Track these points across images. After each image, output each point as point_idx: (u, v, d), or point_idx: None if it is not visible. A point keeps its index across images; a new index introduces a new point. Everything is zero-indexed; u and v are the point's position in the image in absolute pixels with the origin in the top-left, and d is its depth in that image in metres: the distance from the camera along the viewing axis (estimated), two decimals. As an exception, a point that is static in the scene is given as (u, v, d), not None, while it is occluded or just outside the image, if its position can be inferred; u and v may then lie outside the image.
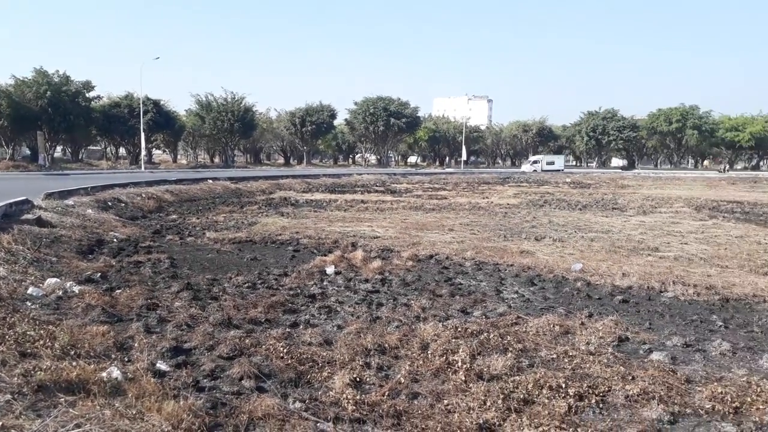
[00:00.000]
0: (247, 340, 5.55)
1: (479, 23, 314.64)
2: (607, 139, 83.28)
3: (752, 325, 6.57)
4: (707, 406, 4.33)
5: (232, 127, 63.84)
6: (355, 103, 75.74)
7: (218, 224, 15.11)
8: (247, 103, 65.92)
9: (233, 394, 4.44)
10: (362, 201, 23.12)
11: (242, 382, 4.65)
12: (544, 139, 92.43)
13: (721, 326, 6.52)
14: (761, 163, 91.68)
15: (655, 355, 5.38)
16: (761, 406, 4.31)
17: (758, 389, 4.58)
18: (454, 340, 5.73)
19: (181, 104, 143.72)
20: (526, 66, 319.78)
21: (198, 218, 16.62)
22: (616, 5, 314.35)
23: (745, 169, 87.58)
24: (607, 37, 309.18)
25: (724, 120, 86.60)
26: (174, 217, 17.14)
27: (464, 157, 75.96)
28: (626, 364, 5.16)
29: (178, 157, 76.76)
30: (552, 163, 71.85)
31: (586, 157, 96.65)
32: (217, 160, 73.77)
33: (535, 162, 70.70)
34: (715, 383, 4.69)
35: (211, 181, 29.35)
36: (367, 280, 8.67)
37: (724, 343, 5.76)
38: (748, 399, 4.41)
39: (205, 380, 4.68)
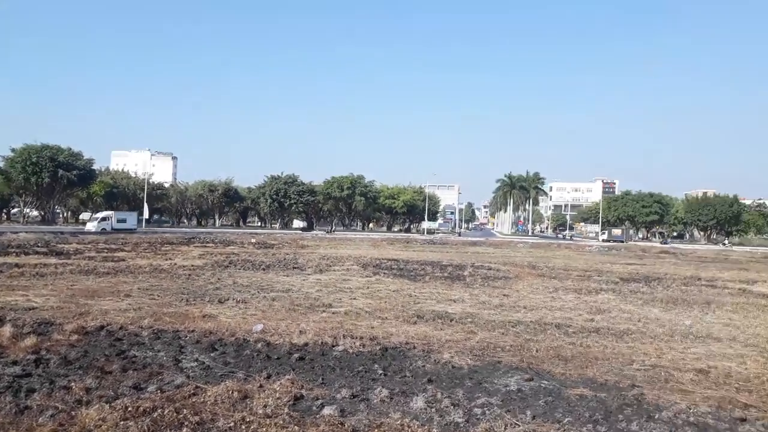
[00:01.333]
0: None
1: (166, 74, 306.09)
2: (288, 202, 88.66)
3: (405, 371, 7.55)
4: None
5: None
6: (13, 150, 65.08)
7: None
8: None
9: None
10: (17, 265, 19.61)
11: None
12: (231, 199, 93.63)
13: (381, 374, 7.33)
14: (411, 227, 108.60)
15: (327, 410, 5.73)
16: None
17: (410, 430, 5.25)
18: (123, 423, 5.15)
19: None
20: (214, 125, 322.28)
21: None
22: (282, 81, 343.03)
23: (400, 231, 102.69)
24: (287, 111, 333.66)
25: (384, 189, 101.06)
26: None
27: (146, 215, 71.47)
28: (300, 423, 5.36)
29: None
30: (124, 221, 60.49)
31: (270, 218, 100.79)
32: None
33: (104, 219, 58.56)
34: (376, 430, 5.21)
35: None
36: (15, 362, 7.27)
37: (384, 390, 6.48)
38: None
39: None
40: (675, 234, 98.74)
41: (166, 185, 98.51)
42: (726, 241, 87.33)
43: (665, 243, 78.26)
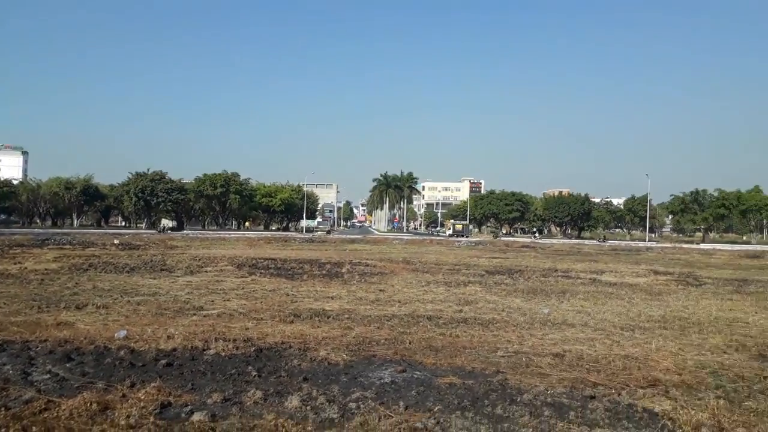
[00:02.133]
0: None
1: (13, 60, 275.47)
2: (156, 200, 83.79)
3: (281, 371, 7.44)
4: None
5: None
6: None
7: None
8: None
9: None
10: None
11: None
12: (90, 198, 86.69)
13: (255, 376, 7.15)
14: (290, 225, 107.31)
15: (196, 416, 5.48)
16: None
17: (284, 429, 5.17)
18: (-45, 448, 4.57)
19: None
20: (72, 119, 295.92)
21: None
22: (171, 78, 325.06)
23: (278, 229, 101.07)
24: (157, 105, 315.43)
25: (260, 187, 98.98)
26: None
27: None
28: (167, 430, 5.09)
29: None
30: None
31: (135, 218, 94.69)
32: None
33: None
34: (248, 432, 5.08)
35: None
36: None
37: (258, 391, 6.33)
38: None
39: None
40: (534, 229, 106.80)
41: (15, 182, 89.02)
42: (536, 234, 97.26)
43: (537, 238, 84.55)
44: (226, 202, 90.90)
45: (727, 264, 35.48)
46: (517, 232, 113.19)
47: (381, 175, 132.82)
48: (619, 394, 6.63)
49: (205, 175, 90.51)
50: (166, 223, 79.63)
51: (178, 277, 19.02)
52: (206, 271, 21.07)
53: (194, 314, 11.62)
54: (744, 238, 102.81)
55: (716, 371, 7.89)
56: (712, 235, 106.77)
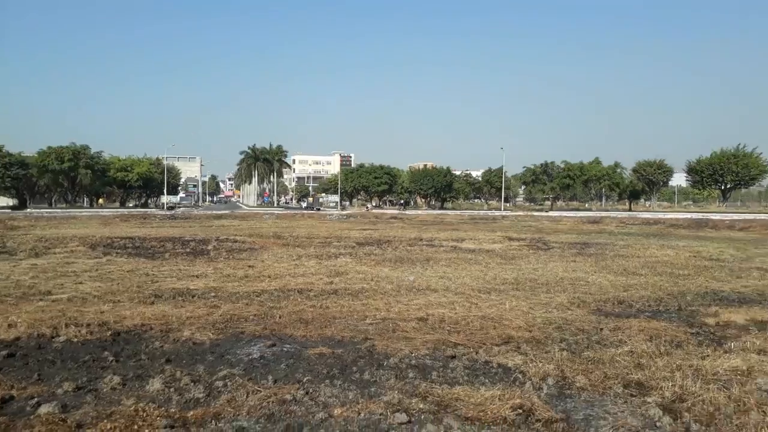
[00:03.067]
0: None
1: None
2: (-9, 175, 74.66)
3: (141, 354, 7.06)
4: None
5: None
6: None
7: None
8: None
9: None
10: None
11: None
12: None
13: (112, 361, 6.72)
14: (149, 201, 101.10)
15: (44, 408, 5.05)
16: None
17: (144, 414, 4.94)
18: None
19: None
20: None
21: None
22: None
23: (136, 206, 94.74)
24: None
25: (115, 161, 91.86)
26: None
27: None
28: (10, 427, 4.65)
29: None
30: None
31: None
32: None
33: None
34: (105, 420, 4.78)
35: None
36: None
37: (115, 377, 5.96)
38: (135, 427, 4.69)
39: None
40: (402, 201, 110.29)
41: None
42: (403, 206, 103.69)
43: (403, 210, 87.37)
44: (75, 177, 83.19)
45: (572, 229, 39.17)
46: (386, 205, 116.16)
47: (249, 148, 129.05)
48: (477, 353, 7.13)
49: (49, 147, 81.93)
50: None
51: (21, 260, 17.21)
52: (54, 253, 19.27)
53: (41, 299, 10.62)
54: (586, 205, 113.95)
55: (561, 326, 8.73)
56: (559, 203, 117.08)
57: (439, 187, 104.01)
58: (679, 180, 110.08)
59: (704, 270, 15.85)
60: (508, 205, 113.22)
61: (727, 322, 9.14)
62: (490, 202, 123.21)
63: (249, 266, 16.07)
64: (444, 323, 8.90)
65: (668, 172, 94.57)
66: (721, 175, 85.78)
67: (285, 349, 7.34)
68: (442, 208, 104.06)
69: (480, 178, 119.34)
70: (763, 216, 55.84)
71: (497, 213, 75.62)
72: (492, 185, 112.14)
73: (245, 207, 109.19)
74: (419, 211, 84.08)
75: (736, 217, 55.09)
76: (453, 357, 6.95)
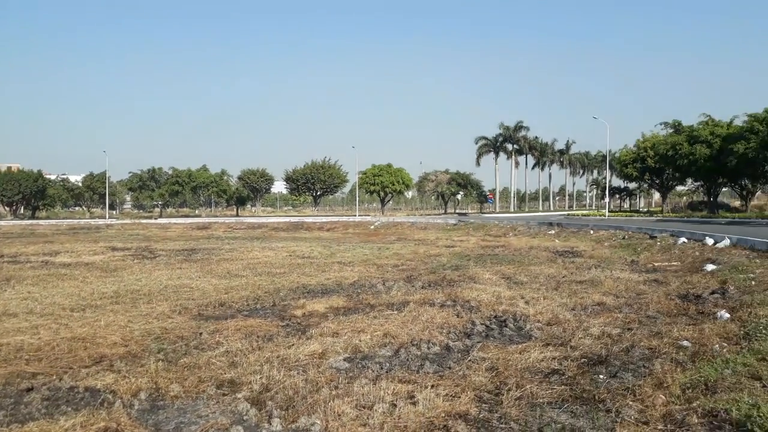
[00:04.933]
0: None
1: None
2: None
3: None
4: None
5: None
6: None
7: None
8: None
9: None
10: None
11: None
12: None
13: None
14: None
15: None
16: None
17: None
18: None
19: None
20: None
21: None
22: None
23: None
24: None
25: None
26: None
27: None
28: None
29: None
30: None
31: None
32: None
33: None
34: None
35: None
36: None
37: None
38: None
39: None
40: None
41: None
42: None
43: None
44: None
45: (181, 236, 38.94)
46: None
47: None
48: (61, 379, 6.36)
49: None
50: None
51: None
52: None
53: None
54: (196, 212, 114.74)
55: (160, 336, 8.52)
56: (169, 210, 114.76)
57: (29, 193, 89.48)
58: (279, 187, 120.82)
59: (297, 267, 17.83)
60: (114, 213, 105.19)
61: (312, 312, 10.46)
62: (94, 210, 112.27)
63: None
64: (22, 352, 7.67)
65: (270, 180, 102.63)
66: (313, 184, 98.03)
67: None
68: (33, 217, 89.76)
69: (80, 184, 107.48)
70: (344, 218, 66.22)
71: (101, 222, 69.56)
72: (95, 191, 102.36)
73: None
74: (1, 222, 70.64)
75: (324, 219, 63.89)
76: (30, 389, 6.04)
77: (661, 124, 61.37)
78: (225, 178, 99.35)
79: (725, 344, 6.94)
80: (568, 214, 64.81)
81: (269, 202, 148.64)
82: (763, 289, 10.60)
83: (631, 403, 5.15)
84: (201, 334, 8.63)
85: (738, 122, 50.65)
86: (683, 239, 22.23)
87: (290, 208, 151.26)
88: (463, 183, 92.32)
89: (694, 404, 4.87)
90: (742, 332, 7.41)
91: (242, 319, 9.75)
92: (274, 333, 8.65)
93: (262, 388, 5.94)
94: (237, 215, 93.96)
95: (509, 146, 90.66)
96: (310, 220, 63.08)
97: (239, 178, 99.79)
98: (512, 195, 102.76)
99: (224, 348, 7.62)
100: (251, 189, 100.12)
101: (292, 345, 7.75)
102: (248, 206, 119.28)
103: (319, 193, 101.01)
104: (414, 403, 5.30)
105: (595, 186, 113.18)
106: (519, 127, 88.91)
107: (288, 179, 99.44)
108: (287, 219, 67.90)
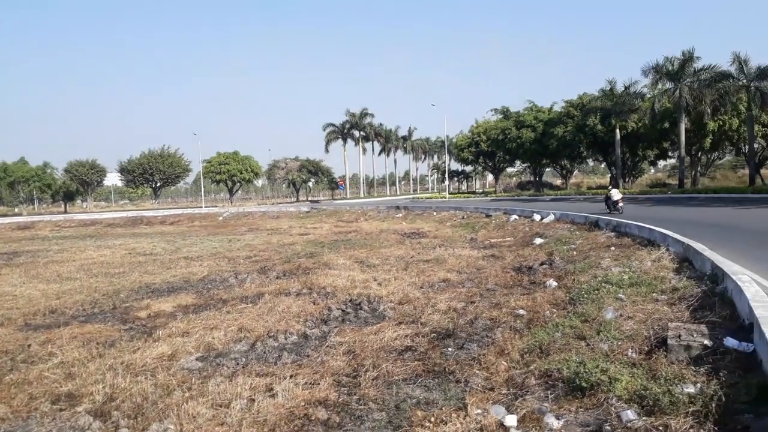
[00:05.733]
0: None
1: None
2: None
3: None
4: None
5: None
6: None
7: None
8: None
9: None
10: None
11: None
12: None
13: None
14: None
15: None
16: None
17: None
18: None
19: None
20: None
21: None
22: None
23: None
24: None
25: None
26: None
27: None
28: None
29: None
30: None
31: None
32: None
33: None
34: None
35: None
36: None
37: None
38: None
39: None
40: None
41: None
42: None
43: None
44: None
45: (-3, 238, 34.38)
46: None
47: None
48: None
49: None
50: None
51: None
52: None
53: None
54: (16, 210, 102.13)
55: (-23, 354, 7.51)
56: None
57: None
58: (114, 179, 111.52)
59: (139, 265, 16.64)
60: None
61: (158, 312, 9.85)
62: None
63: None
64: None
65: (101, 172, 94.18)
66: (152, 174, 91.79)
67: None
68: None
69: None
70: (189, 210, 62.93)
71: None
72: None
73: None
74: None
75: (167, 213, 60.18)
76: None
77: (492, 110, 66.77)
78: (49, 171, 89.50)
79: (555, 310, 7.75)
80: (414, 198, 67.66)
81: (103, 196, 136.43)
82: (583, 258, 11.98)
83: (477, 372, 5.56)
84: (29, 345, 7.75)
85: (557, 108, 56.60)
86: (515, 216, 24.35)
87: (127, 201, 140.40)
88: (314, 170, 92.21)
89: (532, 367, 5.39)
90: (567, 298, 8.33)
91: (78, 325, 8.92)
92: (116, 338, 8.03)
93: (106, 398, 5.50)
94: (65, 212, 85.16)
95: (356, 133, 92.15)
96: (150, 213, 59.03)
97: (66, 170, 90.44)
98: (362, 181, 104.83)
99: (59, 359, 6.92)
100: (81, 182, 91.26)
101: (138, 349, 7.25)
102: (78, 202, 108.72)
103: (159, 184, 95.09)
104: (273, 396, 5.25)
105: (436, 170, 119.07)
106: (364, 114, 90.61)
107: (123, 170, 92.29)
108: (124, 214, 62.88)
